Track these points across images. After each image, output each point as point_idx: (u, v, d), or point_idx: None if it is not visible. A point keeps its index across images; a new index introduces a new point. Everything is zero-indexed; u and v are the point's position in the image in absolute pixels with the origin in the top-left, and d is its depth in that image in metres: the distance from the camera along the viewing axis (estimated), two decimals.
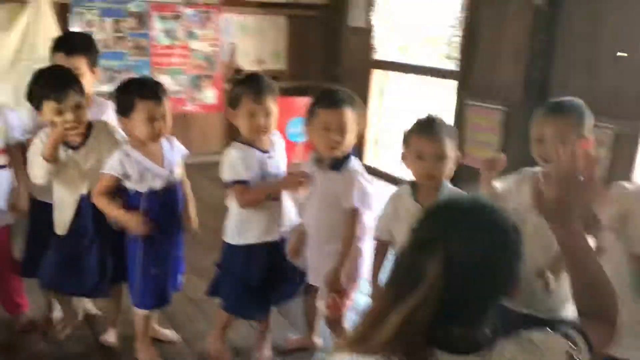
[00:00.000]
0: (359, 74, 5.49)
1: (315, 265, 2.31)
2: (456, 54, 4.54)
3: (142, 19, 5.11)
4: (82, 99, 2.27)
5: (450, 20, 4.54)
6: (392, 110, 5.41)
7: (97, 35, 4.92)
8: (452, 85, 4.59)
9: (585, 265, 1.18)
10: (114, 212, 2.26)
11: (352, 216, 2.19)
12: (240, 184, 2.25)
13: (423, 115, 2.01)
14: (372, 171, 5.44)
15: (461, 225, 1.03)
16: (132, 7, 5.04)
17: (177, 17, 5.26)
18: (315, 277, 2.32)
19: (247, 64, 5.67)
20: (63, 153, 2.28)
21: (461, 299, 0.99)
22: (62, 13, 4.81)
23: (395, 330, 0.97)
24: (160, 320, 2.73)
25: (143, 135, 2.23)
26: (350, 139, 2.20)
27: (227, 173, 2.26)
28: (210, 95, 5.50)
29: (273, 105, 2.28)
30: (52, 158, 2.22)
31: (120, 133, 2.39)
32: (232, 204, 2.35)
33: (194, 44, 5.37)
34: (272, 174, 2.33)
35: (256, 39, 5.70)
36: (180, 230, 2.44)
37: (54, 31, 4.46)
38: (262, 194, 2.28)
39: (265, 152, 2.32)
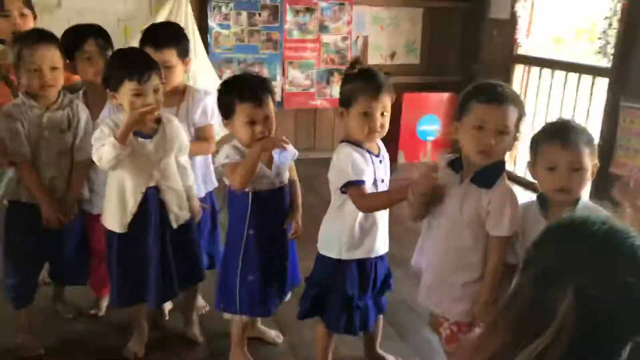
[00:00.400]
0: (500, 70, 5.10)
1: (437, 292, 1.97)
2: (611, 48, 4.03)
3: (275, 12, 5.11)
4: (161, 84, 2.19)
5: (606, 10, 4.02)
6: (537, 108, 4.96)
7: (233, 29, 5.01)
8: (604, 83, 4.09)
9: None
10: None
11: (502, 242, 1.83)
12: (361, 185, 2.04)
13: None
14: (509, 176, 5.05)
15: (594, 256, 0.89)
16: (266, 0, 5.05)
17: (310, 10, 5.20)
18: (437, 303, 2.00)
19: (378, 58, 5.50)
20: (133, 140, 2.17)
21: (593, 341, 0.88)
22: (202, 5, 4.94)
23: None
24: (266, 321, 2.65)
25: (245, 139, 2.14)
26: (507, 145, 1.82)
27: (343, 173, 2.04)
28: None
29: (389, 104, 2.07)
30: (125, 142, 2.10)
31: (184, 136, 2.32)
32: (344, 210, 2.11)
33: (326, 38, 5.29)
34: (382, 181, 2.13)
35: (389, 31, 5.50)
36: (287, 236, 2.30)
37: (192, 24, 4.59)
38: (387, 200, 2.07)
39: (376, 155, 2.12)
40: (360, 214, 2.08)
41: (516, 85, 5.08)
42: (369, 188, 2.05)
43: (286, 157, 2.25)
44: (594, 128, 4.21)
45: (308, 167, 2.32)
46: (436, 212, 1.92)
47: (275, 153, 2.21)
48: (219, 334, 2.59)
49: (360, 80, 2.05)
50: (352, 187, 2.03)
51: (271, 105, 2.15)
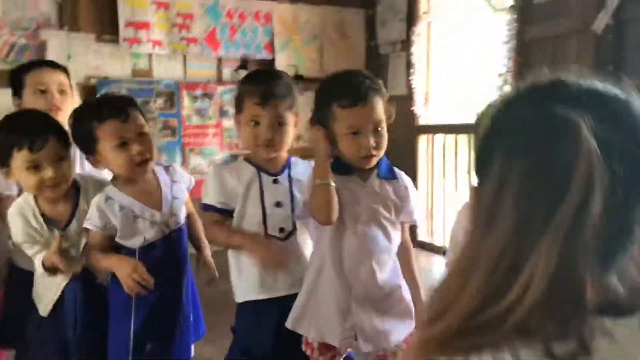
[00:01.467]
0: (405, 142, 5.10)
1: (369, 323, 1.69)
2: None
3: (172, 98, 4.91)
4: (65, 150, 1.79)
5: (500, 67, 4.14)
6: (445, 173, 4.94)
7: None
8: None
9: None
10: (104, 262, 1.75)
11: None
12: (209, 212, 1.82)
13: None
14: (425, 247, 4.91)
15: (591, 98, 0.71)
16: (161, 87, 4.86)
17: (208, 95, 5.05)
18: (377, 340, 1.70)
19: None
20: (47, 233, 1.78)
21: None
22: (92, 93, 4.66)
23: (545, 284, 0.61)
24: None
25: (120, 168, 1.75)
26: (385, 138, 1.69)
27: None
28: None
29: (287, 115, 1.81)
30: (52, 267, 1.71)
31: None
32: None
33: (227, 122, 5.11)
34: (277, 204, 1.85)
35: None
36: (188, 287, 1.90)
37: None
38: (225, 239, 1.82)
39: (272, 174, 1.86)
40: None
41: (422, 154, 5.10)
42: (244, 213, 1.80)
43: (181, 190, 1.89)
44: None
45: None
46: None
47: (164, 185, 1.86)
48: None
49: (249, 83, 1.82)
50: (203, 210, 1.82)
51: (143, 121, 1.80)
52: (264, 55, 5.21)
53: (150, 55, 4.83)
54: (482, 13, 4.41)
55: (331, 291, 1.70)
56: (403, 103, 5.26)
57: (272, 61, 5.20)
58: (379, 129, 1.67)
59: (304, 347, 1.78)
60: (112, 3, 4.63)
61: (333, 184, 1.63)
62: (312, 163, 1.77)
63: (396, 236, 1.76)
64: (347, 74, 1.74)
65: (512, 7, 4.07)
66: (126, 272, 1.67)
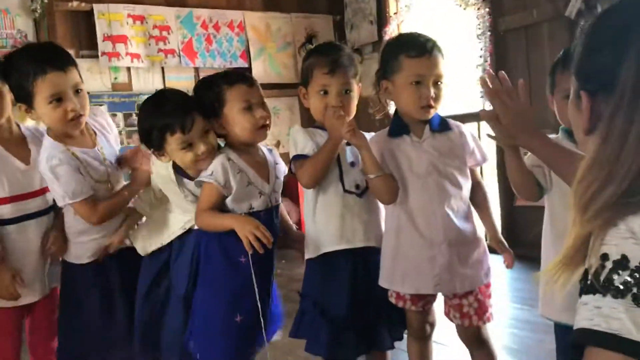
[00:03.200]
0: None
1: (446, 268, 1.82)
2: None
3: None
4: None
5: (477, 60, 4.35)
6: None
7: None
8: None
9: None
10: (223, 219, 1.78)
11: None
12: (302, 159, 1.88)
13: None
14: None
15: None
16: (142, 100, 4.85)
17: None
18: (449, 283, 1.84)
19: None
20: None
21: None
22: None
23: None
24: None
25: (244, 131, 1.81)
26: (443, 94, 1.84)
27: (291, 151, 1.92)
28: None
29: (354, 83, 1.92)
30: None
31: None
32: (306, 202, 1.97)
33: None
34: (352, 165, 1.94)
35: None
36: (274, 266, 1.96)
37: None
38: (317, 159, 1.86)
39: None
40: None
41: None
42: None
43: (280, 172, 1.96)
44: (490, 174, 4.40)
45: None
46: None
47: (272, 165, 1.93)
48: None
49: (317, 55, 1.92)
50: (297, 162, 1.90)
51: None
52: (239, 63, 5.28)
53: (129, 69, 4.82)
54: (452, 9, 4.61)
55: (413, 246, 1.81)
56: (376, 102, 5.44)
57: (249, 69, 5.27)
58: (439, 83, 1.82)
59: (394, 301, 1.89)
60: (88, 18, 4.61)
61: (383, 172, 1.80)
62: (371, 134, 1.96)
63: (464, 182, 1.88)
64: (414, 33, 1.92)
65: (483, 0, 4.30)
66: (249, 228, 1.71)
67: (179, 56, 5.00)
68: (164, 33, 4.93)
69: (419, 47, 1.80)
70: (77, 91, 1.86)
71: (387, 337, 1.97)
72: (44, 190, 2.00)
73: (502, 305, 3.11)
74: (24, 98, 1.85)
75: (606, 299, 0.73)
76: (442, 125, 1.90)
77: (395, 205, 1.85)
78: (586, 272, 0.77)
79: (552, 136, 1.71)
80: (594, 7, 3.66)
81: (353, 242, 1.90)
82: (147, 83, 4.91)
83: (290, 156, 1.92)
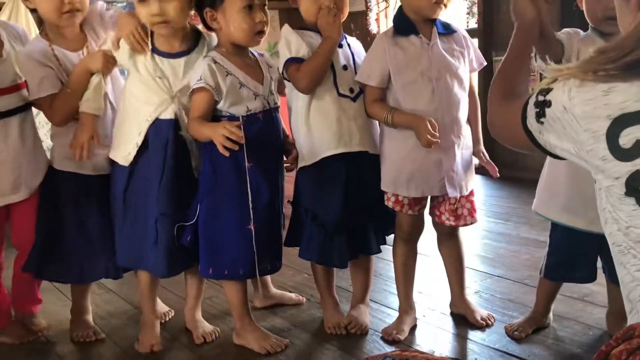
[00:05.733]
0: None
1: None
2: (475, 9, 4.23)
3: None
4: None
5: None
6: None
7: None
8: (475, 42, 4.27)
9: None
10: (204, 128, 1.75)
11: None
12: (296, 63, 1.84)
13: None
14: None
15: None
16: None
17: None
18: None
19: None
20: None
21: None
22: None
23: None
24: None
25: (240, 31, 1.75)
26: None
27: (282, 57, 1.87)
28: None
29: None
30: None
31: None
32: (295, 109, 1.94)
33: None
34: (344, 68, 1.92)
35: None
36: (283, 171, 1.95)
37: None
38: (315, 61, 1.82)
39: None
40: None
41: None
42: None
43: (275, 74, 1.92)
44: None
45: None
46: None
47: (264, 65, 1.88)
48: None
49: None
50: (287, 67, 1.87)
51: None
52: None
53: None
54: None
55: (420, 149, 1.81)
56: (359, 19, 5.32)
57: None
58: None
59: (391, 204, 1.91)
60: None
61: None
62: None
63: (467, 86, 1.89)
64: None
65: None
66: (219, 132, 1.69)
67: None
68: None
69: None
70: None
71: (375, 242, 2.01)
72: (17, 87, 1.93)
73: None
74: None
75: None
76: (446, 28, 1.87)
77: (403, 107, 1.83)
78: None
79: (582, 33, 1.74)
80: None
81: (350, 145, 1.89)
82: None
83: (283, 59, 1.86)
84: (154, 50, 1.84)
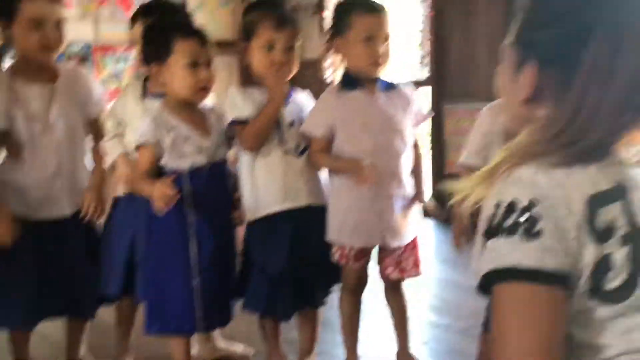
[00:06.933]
0: None
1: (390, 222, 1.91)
2: (427, 59, 4.37)
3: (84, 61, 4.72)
4: None
5: (417, 26, 4.38)
6: None
7: None
8: (427, 92, 4.40)
9: None
10: (144, 186, 1.76)
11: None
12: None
13: None
14: None
15: None
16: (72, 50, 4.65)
17: (123, 58, 4.90)
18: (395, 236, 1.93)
19: None
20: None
21: None
22: None
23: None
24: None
25: (184, 87, 1.78)
26: (389, 52, 1.89)
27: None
28: None
29: (294, 40, 1.92)
30: None
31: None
32: (242, 164, 1.96)
33: None
34: (291, 125, 1.94)
35: None
36: (233, 222, 1.96)
37: None
38: (260, 121, 1.86)
39: None
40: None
41: None
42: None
43: (225, 125, 1.93)
44: (425, 135, 4.48)
45: None
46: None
47: (214, 119, 1.90)
48: None
49: (261, 9, 1.91)
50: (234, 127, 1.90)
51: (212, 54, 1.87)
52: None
53: None
54: None
55: (363, 200, 1.86)
56: (315, 67, 5.41)
57: None
58: (387, 42, 1.85)
59: (337, 258, 1.93)
60: None
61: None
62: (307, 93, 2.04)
63: (410, 139, 1.96)
64: None
65: None
66: (154, 190, 1.70)
67: (114, 6, 4.80)
68: None
69: (369, 5, 1.87)
70: (57, 25, 1.87)
71: (320, 294, 2.02)
72: None
73: (427, 266, 3.20)
74: (5, 13, 1.84)
75: (503, 239, 0.79)
76: (390, 85, 1.95)
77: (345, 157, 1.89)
78: (485, 222, 0.82)
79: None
80: None
81: (297, 201, 1.92)
82: (78, 32, 4.69)
83: (229, 119, 1.90)
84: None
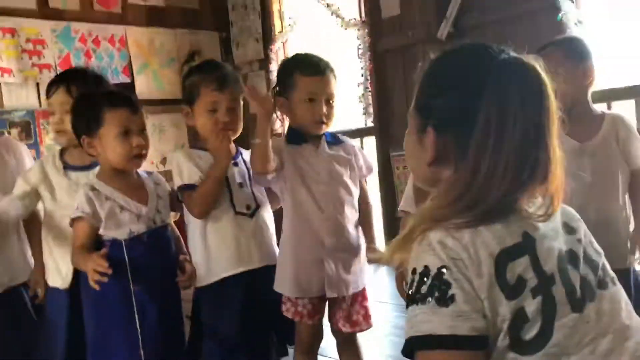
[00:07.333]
0: None
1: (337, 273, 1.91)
2: (370, 109, 4.47)
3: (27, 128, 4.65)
4: None
5: (359, 78, 4.50)
6: None
7: None
8: (371, 141, 4.50)
9: None
10: (80, 260, 1.74)
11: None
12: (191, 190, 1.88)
13: None
14: None
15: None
16: (14, 118, 4.58)
17: None
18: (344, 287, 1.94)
19: (149, 165, 5.28)
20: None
21: None
22: None
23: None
24: None
25: (117, 156, 1.77)
26: (335, 112, 1.95)
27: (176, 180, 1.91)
28: None
29: (239, 99, 1.96)
30: None
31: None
32: (191, 228, 1.95)
33: None
34: (240, 185, 1.96)
35: (155, 138, 5.31)
36: (177, 289, 1.92)
37: None
38: (206, 186, 1.86)
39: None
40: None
41: None
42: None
43: (165, 191, 1.93)
44: (374, 184, 4.56)
45: None
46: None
47: (150, 185, 1.89)
48: None
49: (202, 73, 1.94)
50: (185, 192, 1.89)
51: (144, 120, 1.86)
52: (122, 79, 5.12)
53: None
54: (335, 29, 4.75)
55: (305, 249, 1.88)
56: None
57: (132, 84, 5.13)
58: (331, 101, 1.91)
59: (290, 315, 1.93)
60: None
61: (270, 141, 1.82)
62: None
63: (355, 191, 1.99)
64: (309, 53, 2.02)
65: (363, 22, 4.48)
66: (88, 264, 1.65)
67: (56, 71, 4.76)
68: (39, 47, 4.69)
69: (312, 66, 1.90)
70: None
71: (275, 354, 2.00)
72: None
73: (383, 314, 3.21)
74: None
75: (419, 306, 0.83)
76: (335, 138, 2.00)
77: (293, 210, 1.91)
78: (407, 285, 0.86)
79: None
80: (463, 30, 3.93)
81: (250, 263, 1.92)
82: (20, 99, 4.64)
83: (176, 185, 1.90)
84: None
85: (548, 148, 0.91)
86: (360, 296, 2.00)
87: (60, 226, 1.92)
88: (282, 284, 1.92)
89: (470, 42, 1.04)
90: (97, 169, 1.90)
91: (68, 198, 1.88)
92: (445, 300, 0.81)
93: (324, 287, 1.90)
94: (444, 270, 0.82)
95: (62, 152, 1.99)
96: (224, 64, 2.06)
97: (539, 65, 0.94)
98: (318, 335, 2.00)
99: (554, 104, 0.92)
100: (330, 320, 2.02)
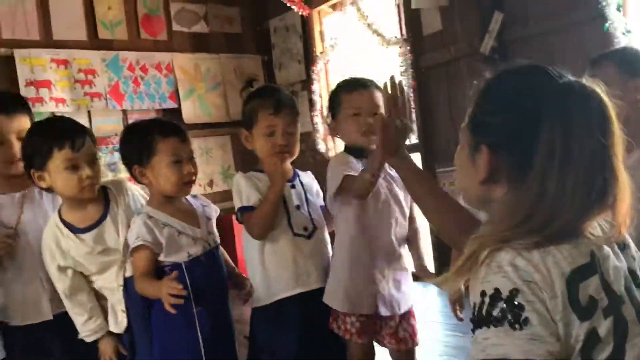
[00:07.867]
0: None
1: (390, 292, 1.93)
2: (414, 126, 4.46)
3: None
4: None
5: None
6: None
7: None
8: (418, 157, 4.47)
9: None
10: (150, 289, 1.76)
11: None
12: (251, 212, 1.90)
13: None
14: None
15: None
16: None
17: (117, 149, 4.99)
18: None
19: (198, 188, 5.38)
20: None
21: None
22: None
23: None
24: None
25: (169, 184, 1.81)
26: None
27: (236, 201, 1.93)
28: None
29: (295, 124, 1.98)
30: None
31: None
32: (250, 248, 1.97)
33: None
34: (297, 208, 1.98)
35: (202, 160, 5.44)
36: (228, 307, 1.96)
37: None
38: (264, 208, 1.87)
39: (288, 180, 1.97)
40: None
41: None
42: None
43: (211, 212, 1.97)
44: None
45: None
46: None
47: (199, 208, 1.93)
48: None
49: (260, 97, 1.98)
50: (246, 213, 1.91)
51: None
52: (169, 104, 5.26)
53: (54, 114, 4.70)
54: (376, 48, 4.77)
55: (360, 266, 1.89)
56: (307, 139, 5.51)
57: (178, 109, 5.26)
58: (377, 114, 1.87)
59: (341, 333, 1.92)
60: (9, 63, 4.50)
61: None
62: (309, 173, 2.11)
63: (408, 210, 2.01)
64: (353, 76, 2.09)
65: (404, 40, 4.48)
66: (162, 290, 1.68)
67: (106, 99, 4.94)
68: (90, 76, 4.87)
69: (354, 82, 1.98)
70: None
71: None
72: None
73: (435, 333, 3.17)
74: None
75: (490, 330, 0.81)
76: None
77: (353, 226, 1.91)
78: (473, 309, 0.85)
79: None
80: (506, 43, 3.89)
81: (308, 284, 1.93)
82: None
83: (236, 207, 1.93)
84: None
85: (615, 171, 0.90)
86: (408, 314, 2.00)
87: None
88: (332, 297, 1.92)
89: (528, 62, 1.03)
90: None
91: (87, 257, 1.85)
92: (519, 323, 0.80)
93: (374, 305, 1.90)
94: (516, 292, 0.81)
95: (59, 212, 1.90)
96: (281, 88, 2.10)
97: (599, 89, 0.93)
98: (370, 355, 1.99)
99: (617, 128, 0.91)
100: (377, 339, 2.00)
